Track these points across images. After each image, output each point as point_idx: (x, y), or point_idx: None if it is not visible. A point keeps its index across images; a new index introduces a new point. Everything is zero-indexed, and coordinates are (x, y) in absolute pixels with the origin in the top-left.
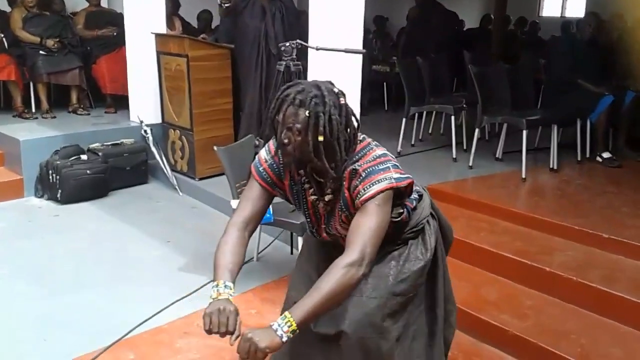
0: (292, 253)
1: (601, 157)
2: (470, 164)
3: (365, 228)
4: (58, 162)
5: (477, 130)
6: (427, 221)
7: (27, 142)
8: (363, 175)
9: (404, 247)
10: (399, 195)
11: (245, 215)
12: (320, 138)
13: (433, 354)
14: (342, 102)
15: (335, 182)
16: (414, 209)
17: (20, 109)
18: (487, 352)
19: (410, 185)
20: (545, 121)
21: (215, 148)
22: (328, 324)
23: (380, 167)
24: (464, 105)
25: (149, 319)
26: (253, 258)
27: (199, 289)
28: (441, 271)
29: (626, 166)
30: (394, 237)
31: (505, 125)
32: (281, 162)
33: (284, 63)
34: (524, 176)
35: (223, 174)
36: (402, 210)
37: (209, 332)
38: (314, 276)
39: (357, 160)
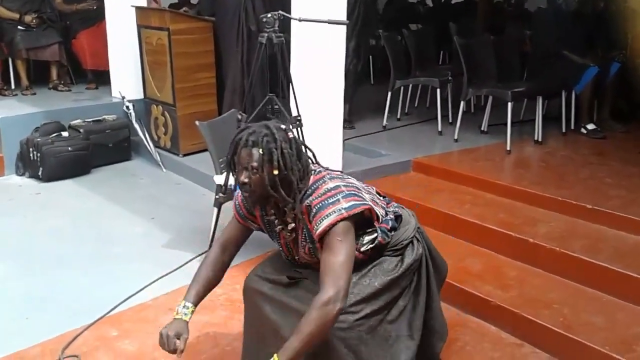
0: None
1: (585, 128)
2: (456, 137)
3: (335, 265)
4: (39, 140)
5: (462, 103)
6: (411, 242)
7: (6, 120)
8: (314, 211)
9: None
10: (365, 222)
11: (225, 238)
12: (276, 172)
13: None
14: (291, 136)
15: (294, 211)
16: (392, 229)
17: None
18: (471, 322)
19: (370, 210)
20: (531, 93)
21: (197, 123)
22: None
23: (329, 200)
24: (450, 78)
25: (132, 295)
26: None
27: (183, 265)
28: (423, 297)
29: (610, 137)
30: (374, 258)
31: (490, 98)
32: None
33: (266, 35)
34: (508, 148)
35: (207, 149)
36: (376, 235)
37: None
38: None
39: (311, 194)
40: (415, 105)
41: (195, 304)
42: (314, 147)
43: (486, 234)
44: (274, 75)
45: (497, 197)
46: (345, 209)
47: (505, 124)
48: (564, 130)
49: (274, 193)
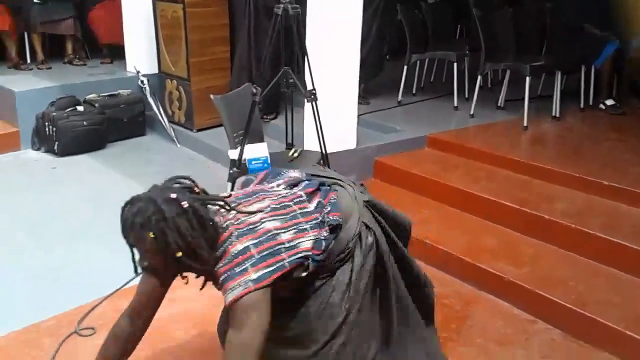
0: None
1: (604, 104)
2: (472, 112)
3: (236, 344)
4: (54, 114)
5: (479, 78)
6: (355, 241)
7: (22, 94)
8: (220, 280)
9: (328, 282)
10: (289, 272)
11: (134, 304)
12: (179, 254)
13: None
14: (185, 205)
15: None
16: (326, 248)
17: (15, 60)
18: (485, 299)
19: (284, 272)
20: (549, 67)
21: (212, 97)
22: None
23: (236, 270)
24: (467, 52)
25: None
26: None
27: None
28: (390, 273)
29: (630, 113)
30: (313, 276)
31: (508, 73)
32: None
33: (282, 6)
34: (525, 124)
35: (221, 125)
36: (307, 263)
37: None
38: None
39: (220, 258)
40: (431, 80)
41: None
42: (328, 122)
43: (501, 210)
44: (289, 48)
45: (513, 174)
46: (252, 280)
47: (523, 100)
48: (582, 106)
49: (186, 270)
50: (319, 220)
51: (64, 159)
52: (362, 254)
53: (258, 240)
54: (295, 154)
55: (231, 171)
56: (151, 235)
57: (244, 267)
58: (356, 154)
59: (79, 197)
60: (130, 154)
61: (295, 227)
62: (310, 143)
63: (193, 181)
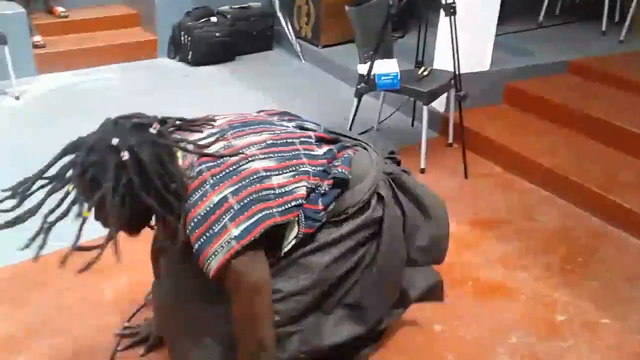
0: (412, 125)
1: None
2: (622, 38)
3: (246, 317)
4: (190, 24)
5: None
6: (362, 207)
7: (162, 2)
8: (195, 249)
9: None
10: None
11: None
12: (124, 210)
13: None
14: (125, 157)
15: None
16: (326, 206)
17: None
18: (614, 234)
19: (274, 221)
20: None
21: (346, 8)
22: None
23: (215, 228)
24: None
25: None
26: (373, 127)
27: None
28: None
29: None
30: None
31: None
32: None
33: None
34: None
35: (346, 42)
36: (297, 230)
37: None
38: None
39: (189, 213)
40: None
41: None
42: (463, 40)
43: None
44: None
45: None
46: (235, 238)
47: None
48: None
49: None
50: (322, 169)
51: (196, 69)
52: (357, 222)
53: (239, 184)
54: (425, 72)
55: (359, 86)
56: (100, 194)
57: (222, 223)
58: (488, 76)
59: (209, 104)
60: (257, 68)
61: (293, 168)
62: (440, 62)
63: (157, 118)
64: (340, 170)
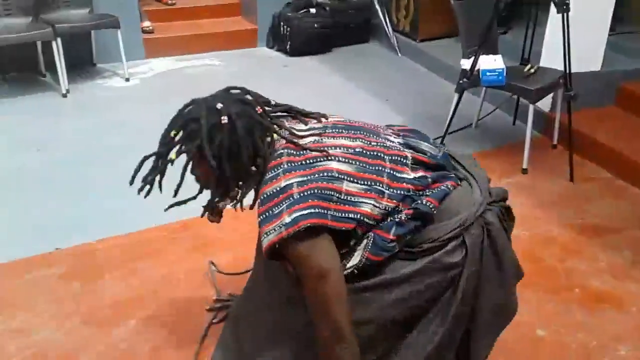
0: (514, 124)
1: None
2: None
3: (316, 299)
4: (290, 14)
5: None
6: (444, 244)
7: None
8: (258, 221)
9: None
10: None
11: None
12: (212, 163)
13: None
14: (224, 120)
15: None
16: (400, 237)
17: None
18: None
19: (323, 222)
20: None
21: (452, 1)
22: None
23: (274, 210)
24: None
25: None
26: (472, 124)
27: None
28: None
29: None
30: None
31: None
32: None
33: None
34: None
35: (444, 37)
36: (359, 258)
37: None
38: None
39: (262, 187)
40: None
41: None
42: (574, 38)
43: None
44: None
45: None
46: (285, 225)
47: None
48: None
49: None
50: (404, 193)
51: (293, 59)
52: (435, 260)
53: (308, 177)
54: (532, 70)
55: (461, 81)
56: (196, 146)
57: (280, 209)
58: (600, 77)
59: (305, 93)
60: (352, 60)
61: (369, 183)
62: (548, 60)
63: (256, 95)
64: (425, 203)
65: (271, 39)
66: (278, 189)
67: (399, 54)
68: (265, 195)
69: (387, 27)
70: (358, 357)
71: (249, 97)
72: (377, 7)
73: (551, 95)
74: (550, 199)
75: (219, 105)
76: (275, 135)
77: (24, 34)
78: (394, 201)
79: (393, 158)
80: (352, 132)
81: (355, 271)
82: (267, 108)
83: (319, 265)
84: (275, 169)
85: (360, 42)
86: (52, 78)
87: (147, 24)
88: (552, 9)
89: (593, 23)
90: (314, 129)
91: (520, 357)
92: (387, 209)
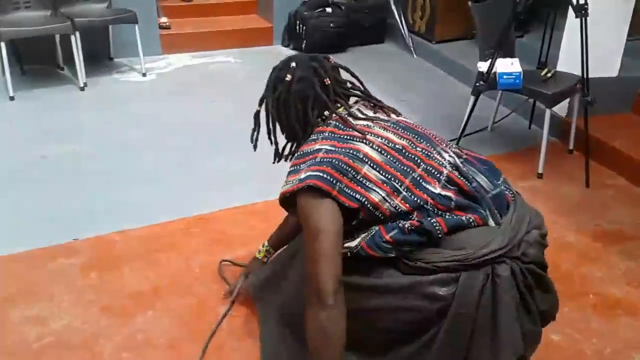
0: (529, 128)
1: None
2: None
3: (307, 252)
4: (306, 13)
5: None
6: (443, 273)
7: None
8: (288, 171)
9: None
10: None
11: None
12: (272, 111)
13: None
14: (288, 78)
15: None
16: (399, 243)
17: None
18: None
19: (329, 190)
20: None
21: (469, 3)
22: None
23: (300, 167)
24: None
25: None
26: (487, 127)
27: None
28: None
29: None
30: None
31: None
32: None
33: None
34: None
35: (460, 39)
36: (356, 241)
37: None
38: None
39: (302, 145)
40: None
41: (274, 247)
42: (591, 43)
43: None
44: None
45: None
46: (301, 179)
47: None
48: None
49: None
50: (419, 202)
51: None
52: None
53: (337, 149)
54: (549, 74)
55: (477, 84)
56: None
57: (302, 166)
58: (617, 82)
59: None
60: (367, 60)
61: (389, 177)
62: (565, 64)
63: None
64: (433, 221)
65: (287, 38)
66: (311, 150)
67: (415, 55)
68: (300, 152)
69: (403, 28)
70: (337, 325)
71: (323, 69)
72: (393, 7)
73: (567, 100)
74: (566, 204)
75: (293, 64)
76: (332, 111)
77: (43, 27)
78: (407, 205)
79: (428, 168)
80: (407, 133)
81: (349, 254)
82: (337, 85)
83: (316, 224)
84: (318, 134)
85: (376, 42)
86: (69, 71)
87: (164, 19)
88: (570, 13)
89: (611, 28)
90: (375, 118)
91: None
92: (397, 209)
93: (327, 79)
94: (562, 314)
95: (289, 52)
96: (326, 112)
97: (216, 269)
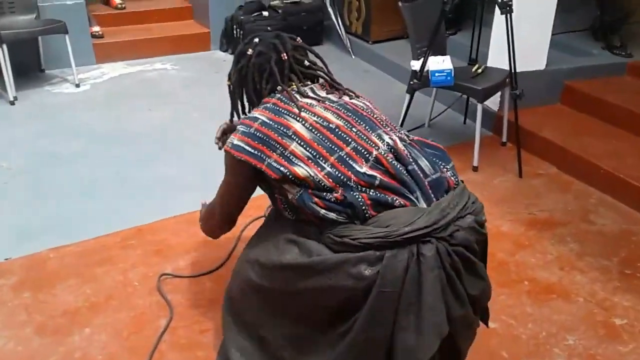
0: (464, 123)
1: None
2: None
3: (220, 190)
4: (242, 17)
5: None
6: (353, 250)
7: None
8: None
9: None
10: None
11: None
12: (227, 82)
13: None
14: (249, 52)
15: None
16: (308, 207)
17: None
18: None
19: (255, 166)
20: None
21: (400, 4)
22: None
23: (239, 129)
24: None
25: None
26: (424, 124)
27: None
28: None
29: None
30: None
31: None
32: None
33: None
34: None
35: (396, 38)
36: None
37: None
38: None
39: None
40: None
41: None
42: (518, 38)
43: None
44: None
45: None
46: (232, 144)
47: None
48: None
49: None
50: (343, 178)
51: None
52: (325, 261)
53: (271, 122)
54: (479, 70)
55: (412, 82)
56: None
57: (239, 130)
58: (544, 75)
59: None
60: None
61: (315, 154)
62: (495, 60)
63: (304, 49)
64: (357, 196)
65: (225, 42)
66: (250, 116)
67: (352, 56)
68: (244, 115)
69: (340, 29)
70: (212, 235)
71: (283, 46)
72: (330, 9)
73: (499, 94)
74: (500, 194)
75: (256, 40)
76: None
77: None
78: (330, 180)
79: (357, 147)
80: (348, 114)
81: (285, 205)
82: (295, 63)
83: (228, 182)
84: (264, 103)
85: (314, 45)
86: None
87: (96, 28)
88: (497, 10)
89: (536, 23)
90: (324, 99)
91: (472, 349)
92: (321, 183)
93: (285, 55)
94: (498, 302)
95: (227, 56)
96: (279, 87)
97: (156, 281)
